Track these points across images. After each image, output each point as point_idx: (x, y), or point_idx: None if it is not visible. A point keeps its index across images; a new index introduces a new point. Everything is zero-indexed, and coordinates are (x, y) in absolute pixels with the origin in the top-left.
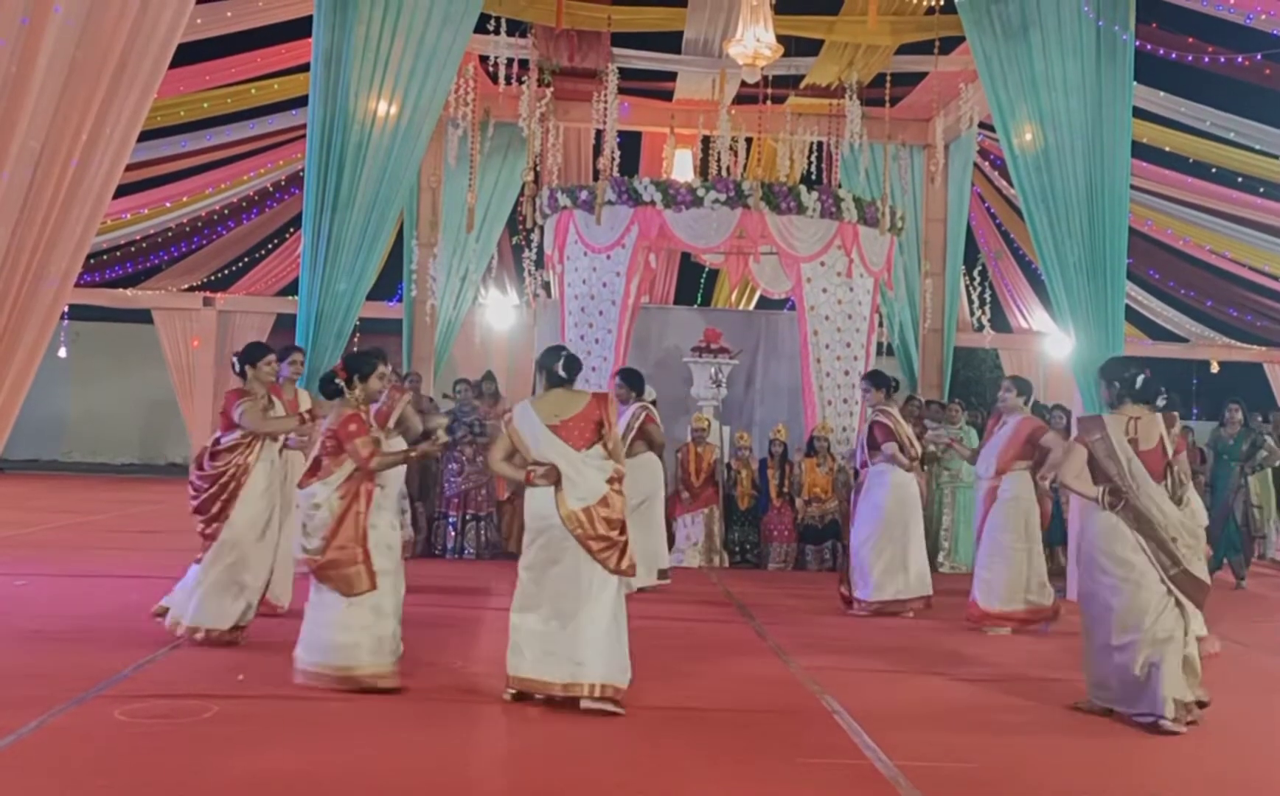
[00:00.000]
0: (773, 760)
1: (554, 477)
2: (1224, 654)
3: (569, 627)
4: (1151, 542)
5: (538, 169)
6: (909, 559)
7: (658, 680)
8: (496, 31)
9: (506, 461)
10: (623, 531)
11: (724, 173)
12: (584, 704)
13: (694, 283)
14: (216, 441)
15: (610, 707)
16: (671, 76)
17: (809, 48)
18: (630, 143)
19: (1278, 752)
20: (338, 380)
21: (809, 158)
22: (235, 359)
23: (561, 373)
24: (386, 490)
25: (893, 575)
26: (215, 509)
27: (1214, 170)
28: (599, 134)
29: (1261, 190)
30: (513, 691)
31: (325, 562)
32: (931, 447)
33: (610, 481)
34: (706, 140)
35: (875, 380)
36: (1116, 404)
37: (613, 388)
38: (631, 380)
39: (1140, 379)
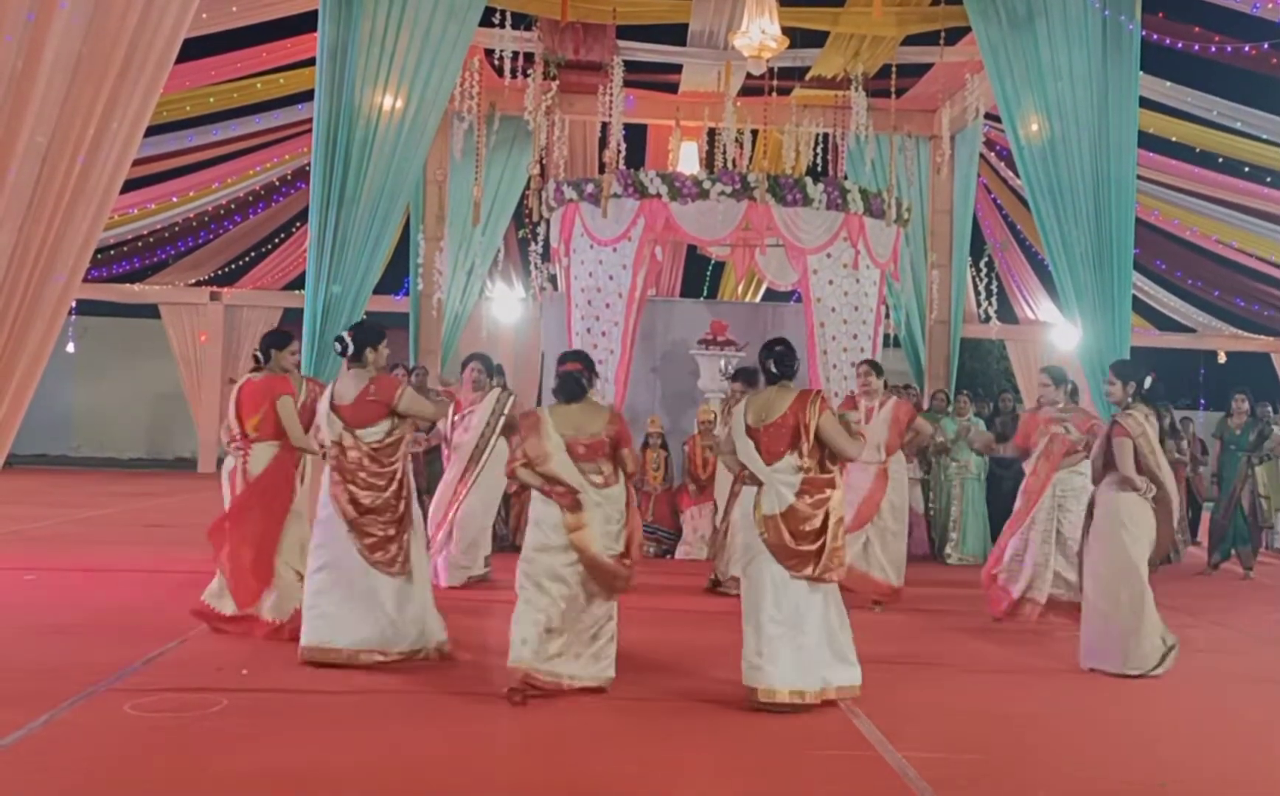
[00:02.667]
0: (780, 752)
1: (757, 481)
2: (1233, 644)
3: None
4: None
5: (543, 162)
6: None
7: (664, 672)
8: (502, 25)
9: (732, 456)
10: (815, 541)
11: (730, 165)
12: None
13: (700, 275)
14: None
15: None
16: (677, 69)
17: (814, 39)
18: (636, 135)
19: None
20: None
21: (815, 149)
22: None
23: (774, 369)
24: None
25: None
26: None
27: (1221, 160)
28: (604, 127)
29: (1269, 180)
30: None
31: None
32: (942, 438)
33: (799, 494)
34: (712, 132)
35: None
36: (1131, 403)
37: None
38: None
39: (1149, 381)
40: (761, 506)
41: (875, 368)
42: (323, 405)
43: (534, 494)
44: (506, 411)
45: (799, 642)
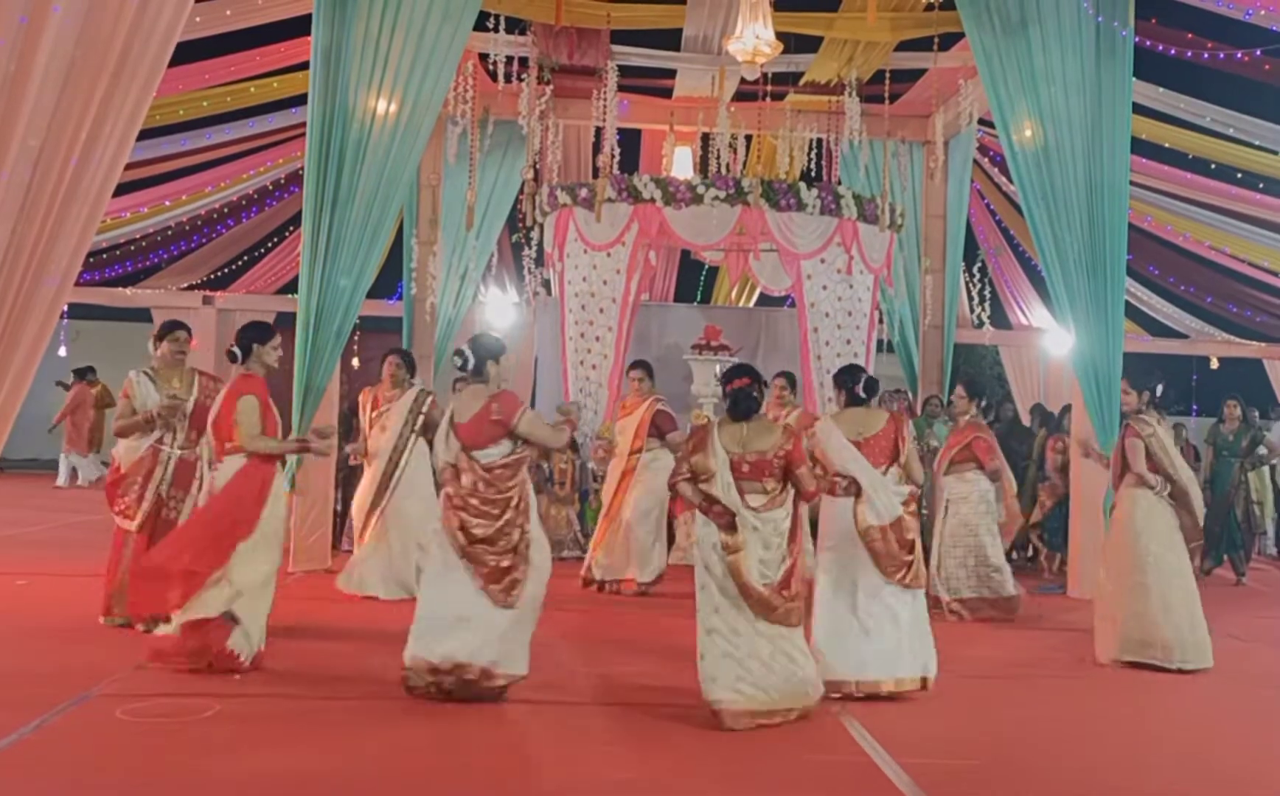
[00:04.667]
0: (777, 756)
1: (855, 491)
2: (1226, 649)
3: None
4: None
5: (537, 166)
6: None
7: (661, 676)
8: (496, 29)
9: (811, 473)
10: (912, 551)
11: (724, 170)
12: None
13: (694, 280)
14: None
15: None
16: (671, 74)
17: (808, 45)
18: (630, 140)
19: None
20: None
21: (809, 154)
22: (234, 347)
23: (861, 393)
24: None
25: None
26: None
27: (1213, 166)
28: (599, 131)
29: (1261, 186)
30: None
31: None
32: (936, 444)
33: (905, 503)
34: (706, 137)
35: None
36: (1143, 409)
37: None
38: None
39: (1159, 389)
40: (866, 517)
41: (790, 379)
42: (442, 424)
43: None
44: (425, 410)
45: (896, 638)
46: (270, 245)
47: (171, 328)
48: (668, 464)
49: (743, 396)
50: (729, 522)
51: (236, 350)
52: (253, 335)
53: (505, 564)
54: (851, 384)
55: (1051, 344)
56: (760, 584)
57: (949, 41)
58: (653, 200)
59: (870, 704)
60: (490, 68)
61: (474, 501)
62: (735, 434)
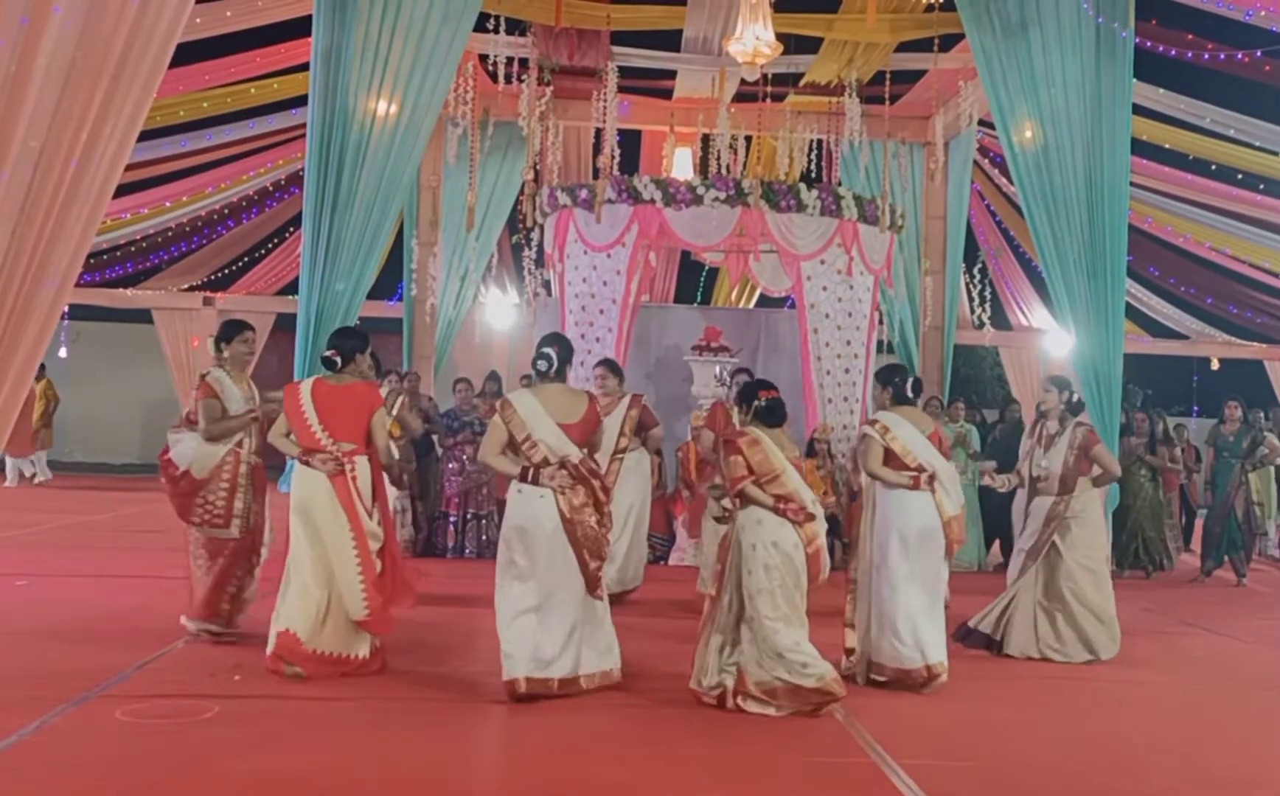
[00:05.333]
0: (777, 758)
1: (931, 483)
2: (1226, 650)
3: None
4: None
5: (537, 167)
6: None
7: (660, 678)
8: (496, 30)
9: (885, 467)
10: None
11: (724, 171)
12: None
13: (694, 281)
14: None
15: None
16: (671, 75)
17: (808, 46)
18: (630, 141)
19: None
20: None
21: (809, 156)
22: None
23: (910, 393)
24: None
25: None
26: None
27: (1214, 167)
28: (599, 132)
29: (1261, 187)
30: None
31: None
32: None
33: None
34: (706, 138)
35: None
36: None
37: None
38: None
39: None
40: (947, 507)
41: (612, 367)
42: (538, 419)
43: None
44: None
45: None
46: (271, 246)
47: (240, 327)
48: (646, 464)
49: (779, 405)
50: (807, 517)
51: (337, 358)
52: (355, 343)
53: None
54: (901, 383)
55: (1052, 345)
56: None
57: (949, 43)
58: (653, 201)
59: (871, 704)
60: (490, 69)
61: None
62: (775, 441)
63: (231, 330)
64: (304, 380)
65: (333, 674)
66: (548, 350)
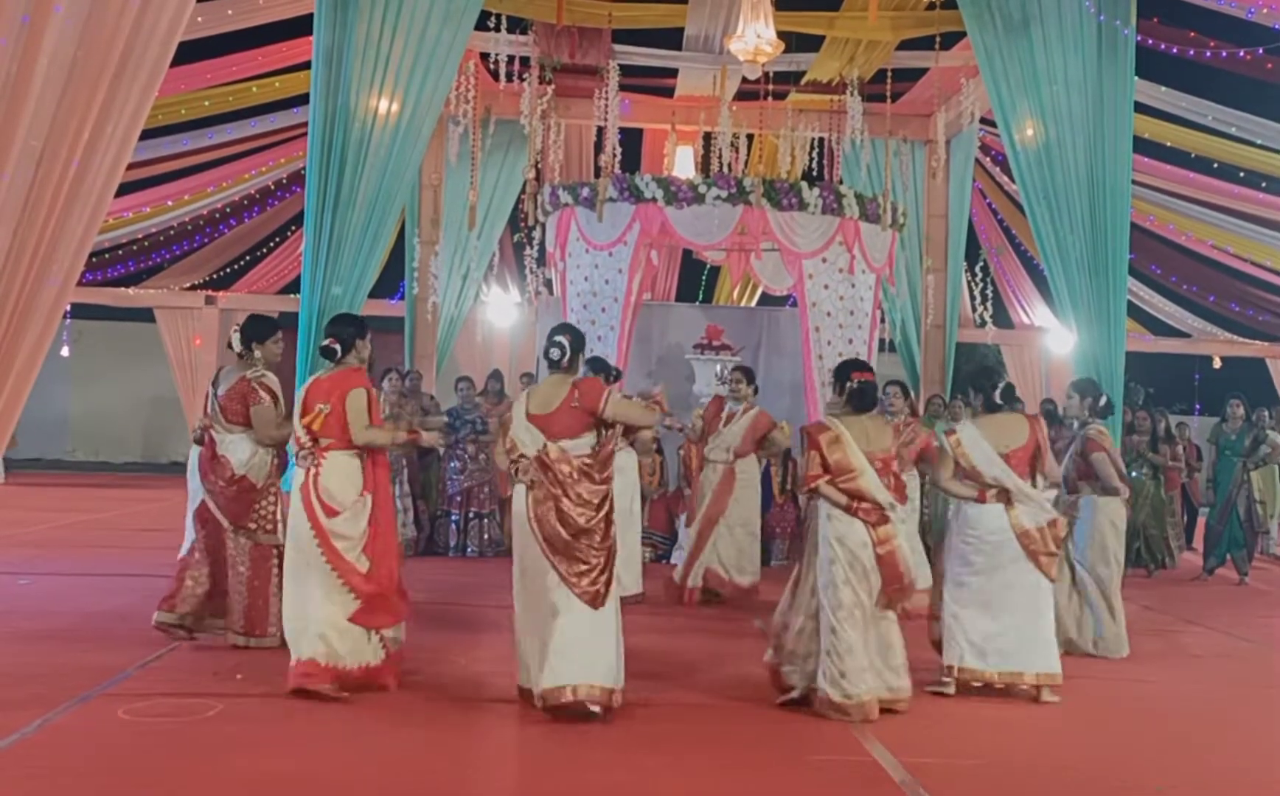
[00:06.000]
0: (779, 758)
1: (1005, 498)
2: (1228, 648)
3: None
4: None
5: (539, 166)
6: None
7: (661, 678)
8: (497, 28)
9: (954, 480)
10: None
11: (725, 169)
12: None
13: (696, 280)
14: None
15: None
16: (673, 73)
17: (810, 44)
18: (631, 139)
19: None
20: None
21: (810, 154)
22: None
23: (999, 399)
24: None
25: None
26: None
27: (1216, 165)
28: (600, 131)
29: (1264, 185)
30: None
31: None
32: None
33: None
34: (708, 137)
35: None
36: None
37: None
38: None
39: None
40: (1022, 521)
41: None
42: (518, 415)
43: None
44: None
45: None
46: (272, 245)
47: (272, 326)
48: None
49: (870, 388)
50: (880, 517)
51: (335, 346)
52: (353, 330)
53: (598, 562)
54: (990, 389)
55: (1053, 343)
56: (911, 572)
57: (950, 40)
58: (654, 200)
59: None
60: (492, 67)
61: (573, 492)
62: (860, 429)
63: (264, 330)
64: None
65: (358, 686)
66: (560, 338)
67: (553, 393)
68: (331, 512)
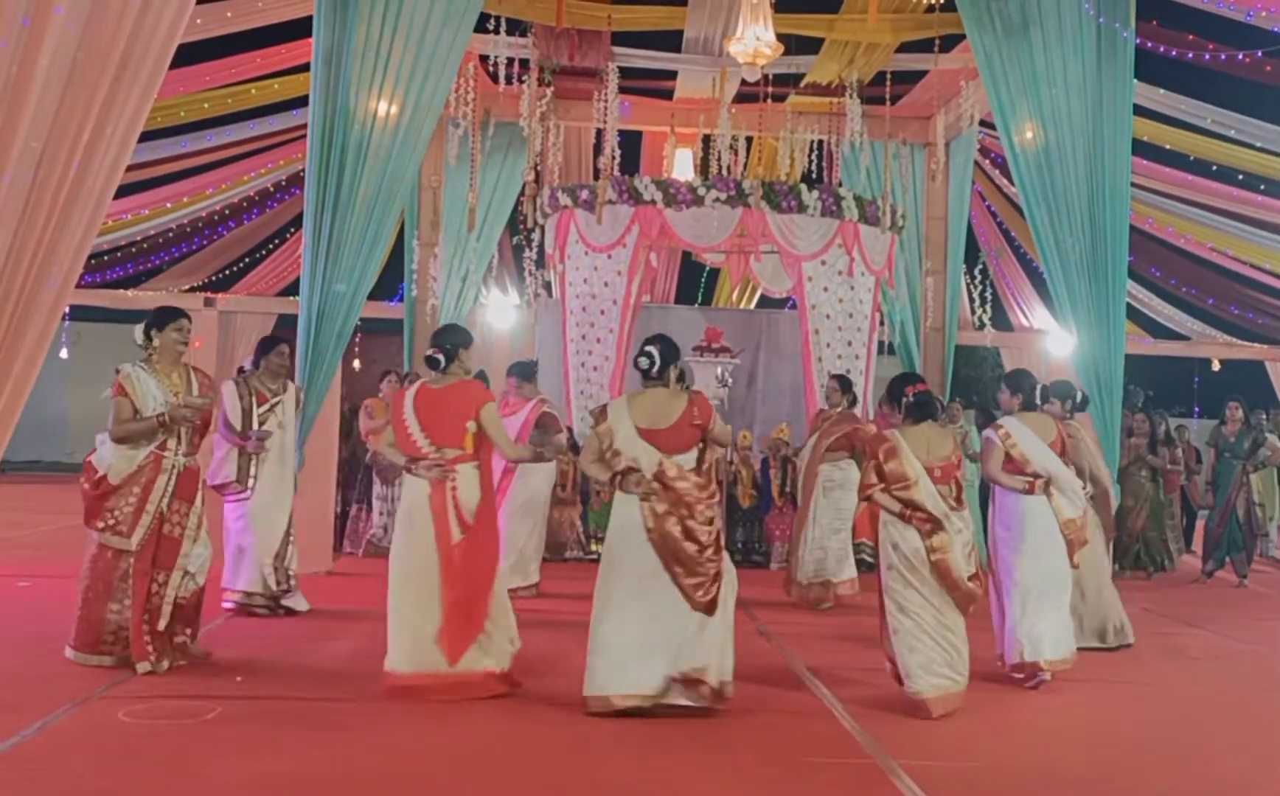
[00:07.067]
0: (778, 760)
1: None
2: (1228, 651)
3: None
4: None
5: (538, 168)
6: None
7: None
8: (497, 31)
9: (1004, 472)
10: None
11: (724, 171)
12: None
13: (695, 282)
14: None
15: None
16: (672, 75)
17: (809, 46)
18: (631, 141)
19: None
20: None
21: (809, 156)
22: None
23: (1037, 401)
24: None
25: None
26: None
27: (1215, 168)
28: (599, 133)
29: (1262, 187)
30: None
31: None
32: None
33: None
34: (707, 139)
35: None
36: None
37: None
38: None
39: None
40: (1065, 510)
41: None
42: (624, 427)
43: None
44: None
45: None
46: (272, 247)
47: (173, 315)
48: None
49: (928, 399)
50: (933, 527)
51: (440, 356)
52: (458, 340)
53: (713, 572)
54: (1030, 390)
55: (1053, 346)
56: (966, 579)
57: (950, 43)
58: (654, 202)
59: (871, 706)
60: (491, 69)
61: (699, 508)
62: (921, 439)
63: (164, 317)
64: (411, 386)
65: (461, 695)
66: (650, 349)
67: (664, 407)
68: (466, 526)
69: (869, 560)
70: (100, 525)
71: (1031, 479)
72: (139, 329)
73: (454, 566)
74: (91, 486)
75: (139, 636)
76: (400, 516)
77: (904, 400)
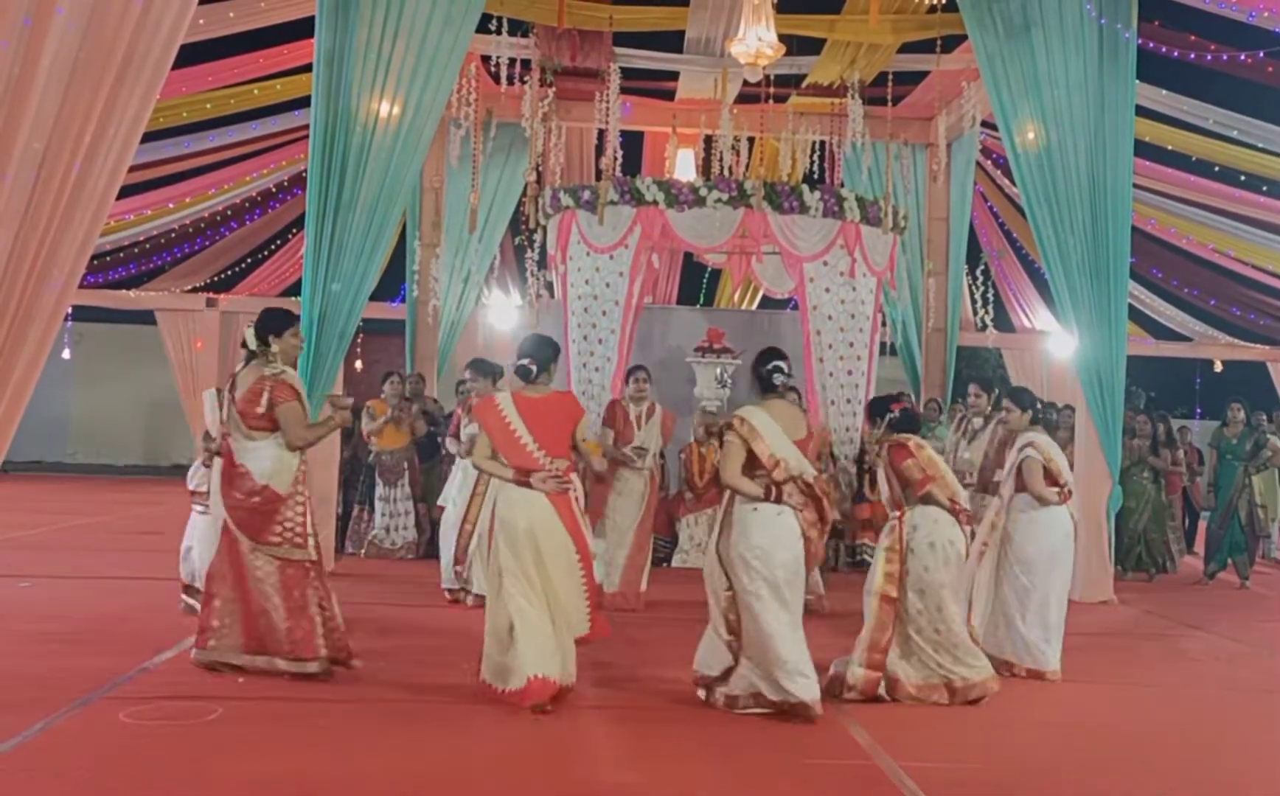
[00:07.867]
0: (777, 761)
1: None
2: (1229, 653)
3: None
4: None
5: (540, 169)
6: None
7: (660, 680)
8: (498, 31)
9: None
10: None
11: (726, 172)
12: None
13: (696, 283)
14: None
15: None
16: (674, 76)
17: (811, 47)
18: (632, 142)
19: None
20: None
21: (811, 157)
22: (250, 330)
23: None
24: None
25: None
26: None
27: (1217, 168)
28: (601, 134)
29: (1264, 188)
30: None
31: None
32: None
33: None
34: (709, 139)
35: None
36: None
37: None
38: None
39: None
40: (1076, 516)
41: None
42: (774, 434)
43: (925, 517)
44: None
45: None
46: (274, 247)
47: (290, 319)
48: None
49: (910, 415)
50: (969, 518)
51: (533, 367)
52: (549, 352)
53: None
54: (1040, 407)
55: (1055, 347)
56: None
57: (952, 44)
58: (655, 203)
59: (871, 705)
60: (493, 70)
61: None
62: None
63: (281, 322)
64: (498, 394)
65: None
66: (780, 362)
67: (794, 418)
68: (590, 530)
69: (869, 560)
70: (277, 538)
71: (1063, 489)
72: (249, 332)
73: (589, 567)
74: (261, 501)
75: (312, 636)
76: (519, 535)
77: (889, 417)
